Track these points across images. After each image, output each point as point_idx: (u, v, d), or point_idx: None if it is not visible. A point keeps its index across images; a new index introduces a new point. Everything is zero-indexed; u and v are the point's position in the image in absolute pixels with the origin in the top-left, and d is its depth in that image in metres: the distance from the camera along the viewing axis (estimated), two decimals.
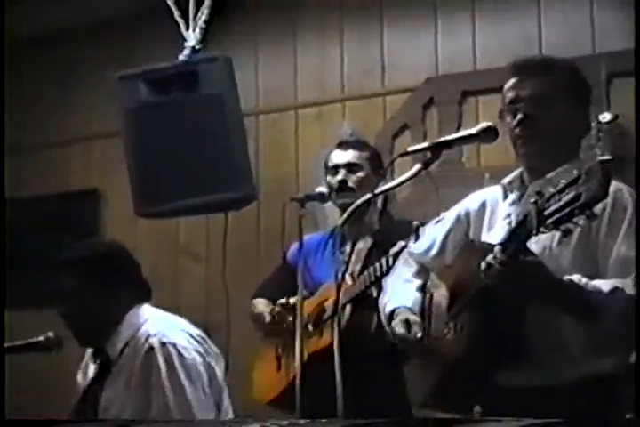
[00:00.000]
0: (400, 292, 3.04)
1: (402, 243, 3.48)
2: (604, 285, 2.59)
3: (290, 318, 3.97)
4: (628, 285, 2.59)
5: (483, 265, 2.52)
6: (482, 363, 2.68)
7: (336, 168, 4.11)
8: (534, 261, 2.54)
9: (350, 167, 4.08)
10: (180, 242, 5.85)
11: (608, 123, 4.55)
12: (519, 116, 2.85)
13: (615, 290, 2.57)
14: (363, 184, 4.01)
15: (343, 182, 4.05)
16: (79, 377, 3.61)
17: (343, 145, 4.23)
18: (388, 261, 3.56)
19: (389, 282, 3.17)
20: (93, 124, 6.15)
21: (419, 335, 2.84)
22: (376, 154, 4.22)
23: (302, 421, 2.40)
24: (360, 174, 4.06)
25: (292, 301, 3.98)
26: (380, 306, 3.06)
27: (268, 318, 4.08)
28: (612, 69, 4.73)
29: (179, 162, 4.94)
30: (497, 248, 2.50)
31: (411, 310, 2.93)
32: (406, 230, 3.39)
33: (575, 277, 2.60)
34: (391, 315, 2.96)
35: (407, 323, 2.87)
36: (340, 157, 4.13)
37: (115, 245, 3.78)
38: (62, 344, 3.46)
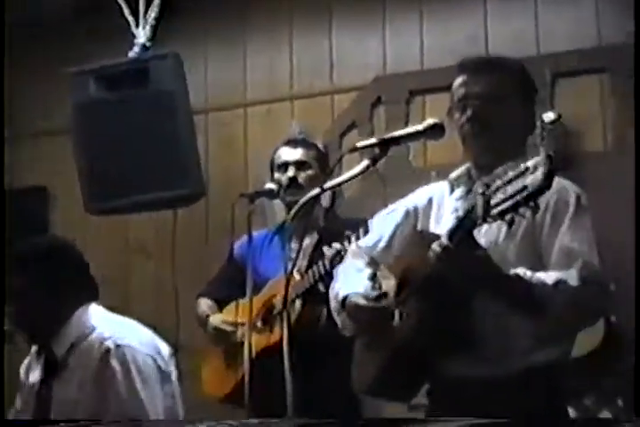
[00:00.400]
0: (352, 280, 3.04)
1: (347, 238, 3.48)
2: (548, 277, 2.61)
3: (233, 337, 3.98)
4: (571, 276, 2.61)
5: (429, 253, 2.53)
6: (426, 351, 2.71)
7: (285, 165, 4.09)
8: (480, 252, 2.56)
9: (299, 165, 4.07)
10: (129, 239, 5.82)
11: (552, 122, 4.59)
12: (469, 113, 2.86)
13: (559, 282, 2.60)
14: (312, 182, 3.98)
15: (293, 180, 4.04)
16: (22, 373, 3.57)
17: (291, 143, 4.23)
18: (336, 256, 3.56)
19: (340, 271, 3.17)
20: (40, 121, 6.08)
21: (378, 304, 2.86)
22: (323, 154, 4.23)
23: (255, 420, 2.40)
24: (309, 172, 4.06)
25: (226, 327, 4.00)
26: (332, 294, 3.07)
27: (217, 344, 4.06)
28: (557, 70, 4.77)
29: (128, 159, 4.92)
30: (443, 237, 2.52)
31: (365, 294, 2.93)
32: (351, 227, 3.40)
33: (520, 271, 2.62)
34: (343, 301, 2.97)
35: (365, 298, 2.89)
36: (290, 154, 4.12)
37: (62, 241, 3.77)
38: (13, 338, 3.45)
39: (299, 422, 2.41)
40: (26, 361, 3.58)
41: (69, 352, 3.37)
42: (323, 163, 4.12)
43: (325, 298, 3.56)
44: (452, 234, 2.51)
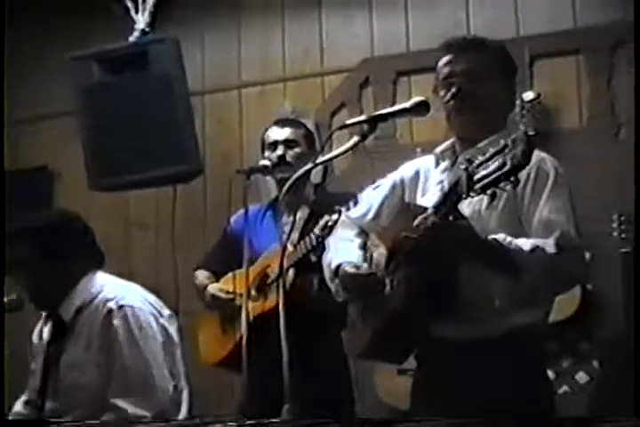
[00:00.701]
0: (343, 249, 3.08)
1: (337, 211, 3.53)
2: (526, 244, 2.65)
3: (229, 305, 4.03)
4: (548, 244, 2.65)
5: (416, 225, 2.58)
6: (416, 315, 2.75)
7: (275, 144, 4.12)
8: (461, 222, 2.61)
9: (288, 143, 4.09)
10: (130, 214, 5.86)
11: (531, 101, 4.68)
12: (453, 90, 2.89)
13: (535, 249, 2.64)
14: (300, 159, 4.02)
15: (282, 158, 4.06)
16: (34, 338, 3.63)
17: (280, 122, 4.25)
18: (325, 228, 3.62)
19: (332, 242, 3.20)
20: (43, 104, 6.12)
21: (369, 271, 2.91)
22: (310, 132, 4.24)
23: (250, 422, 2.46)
24: (297, 150, 4.08)
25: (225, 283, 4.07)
26: (325, 263, 3.10)
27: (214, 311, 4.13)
28: (535, 51, 4.81)
29: (130, 138, 4.97)
30: (430, 210, 2.56)
31: (356, 263, 2.97)
32: (340, 201, 3.44)
33: (499, 236, 2.67)
34: (336, 270, 3.01)
35: (356, 267, 2.93)
36: (278, 133, 4.14)
37: (68, 213, 3.76)
38: (23, 305, 3.50)
39: (296, 422, 2.47)
40: (37, 327, 3.64)
41: (76, 316, 3.41)
42: (310, 141, 4.15)
43: (317, 267, 3.65)
44: (437, 207, 2.54)
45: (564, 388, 4.50)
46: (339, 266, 3.01)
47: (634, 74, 4.36)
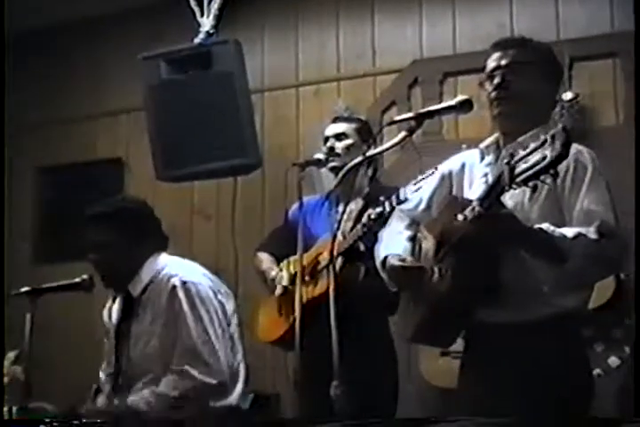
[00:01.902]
0: (392, 241, 3.06)
1: (382, 204, 3.50)
2: (569, 231, 2.61)
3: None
4: (590, 232, 2.61)
5: (461, 217, 2.55)
6: (464, 301, 2.72)
7: (327, 139, 4.13)
8: (506, 213, 2.56)
9: (338, 136, 4.09)
10: (194, 204, 5.87)
11: (569, 101, 4.60)
12: (497, 80, 2.86)
13: (578, 235, 2.59)
14: (349, 150, 4.02)
15: (331, 149, 4.06)
16: (105, 316, 3.67)
17: (336, 119, 4.25)
18: (372, 219, 3.59)
19: (384, 234, 3.17)
20: (118, 100, 6.15)
21: (415, 264, 2.89)
22: (363, 125, 4.20)
23: None
24: (346, 142, 4.06)
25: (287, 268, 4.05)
26: (376, 253, 3.08)
27: (277, 291, 4.10)
28: (574, 54, 4.75)
29: (194, 132, 4.99)
30: (475, 202, 2.53)
31: (400, 256, 2.95)
32: (390, 194, 3.41)
33: (544, 226, 2.62)
34: (384, 261, 2.99)
35: (401, 260, 2.91)
36: (331, 129, 4.15)
37: (137, 200, 3.83)
38: (94, 285, 3.52)
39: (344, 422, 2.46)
40: (107, 305, 3.68)
41: (143, 292, 3.47)
42: (363, 133, 4.11)
43: (364, 256, 3.63)
44: (482, 199, 2.51)
45: (597, 371, 4.43)
46: (385, 258, 3.00)
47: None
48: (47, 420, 3.25)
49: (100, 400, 3.55)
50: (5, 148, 6.05)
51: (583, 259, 2.60)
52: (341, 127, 4.13)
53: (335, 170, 4.01)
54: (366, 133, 4.13)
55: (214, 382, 3.31)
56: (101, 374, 3.62)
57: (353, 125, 4.14)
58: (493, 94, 2.87)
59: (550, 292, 2.68)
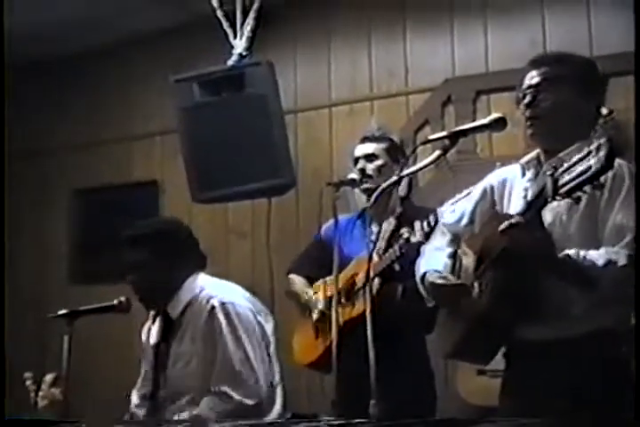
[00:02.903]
0: (433, 257, 3.06)
1: (422, 227, 3.50)
2: (599, 259, 2.60)
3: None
4: (620, 255, 2.60)
5: (501, 229, 2.54)
6: (503, 316, 2.71)
7: (357, 160, 4.14)
8: (542, 233, 2.57)
9: (369, 157, 4.10)
10: (229, 224, 5.89)
11: (605, 116, 4.57)
12: (527, 99, 2.87)
13: (609, 263, 2.59)
14: (380, 171, 4.04)
15: (362, 171, 4.07)
16: (143, 336, 3.70)
17: (364, 139, 4.23)
18: (409, 241, 3.58)
19: (426, 249, 3.17)
20: (152, 123, 6.20)
21: (455, 281, 2.89)
22: (393, 145, 4.20)
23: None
24: (377, 163, 4.07)
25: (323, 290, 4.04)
26: (417, 268, 3.09)
27: (315, 315, 4.09)
28: (608, 70, 4.72)
29: (228, 154, 5.02)
30: (515, 217, 2.53)
31: (439, 272, 2.95)
32: (424, 214, 3.41)
33: (572, 252, 2.62)
34: (422, 277, 3.00)
35: (442, 278, 2.91)
36: (360, 150, 4.16)
37: (175, 221, 3.86)
38: (131, 307, 3.53)
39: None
40: (146, 326, 3.71)
41: (183, 313, 3.49)
42: (393, 153, 4.12)
43: (401, 276, 3.63)
44: (524, 212, 2.52)
45: None
46: (425, 274, 3.00)
47: None
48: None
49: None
50: (40, 171, 6.12)
51: (615, 285, 2.60)
52: (370, 148, 4.14)
53: (368, 191, 4.02)
54: (396, 153, 4.13)
55: (252, 402, 3.32)
56: (134, 396, 3.64)
57: (382, 145, 4.14)
58: (527, 113, 2.87)
59: (585, 310, 2.67)
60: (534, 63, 2.95)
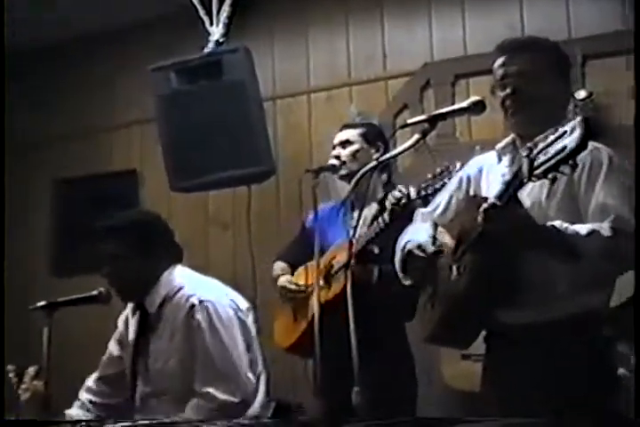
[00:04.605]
0: (414, 233, 3.05)
1: (392, 206, 3.50)
2: (582, 228, 2.61)
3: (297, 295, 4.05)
4: (604, 228, 2.61)
5: (480, 212, 2.53)
6: (482, 299, 2.72)
7: (334, 147, 4.15)
8: (520, 210, 2.56)
9: (343, 144, 4.12)
10: (209, 213, 5.86)
11: (583, 99, 4.57)
12: (508, 90, 2.87)
13: (592, 232, 2.59)
14: (355, 156, 4.06)
15: (337, 157, 4.09)
16: (120, 324, 3.69)
17: (343, 127, 4.27)
18: (384, 221, 3.59)
19: (409, 229, 3.17)
20: (131, 112, 6.17)
21: (434, 249, 2.88)
22: (369, 129, 4.22)
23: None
24: (352, 148, 4.09)
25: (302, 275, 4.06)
26: (397, 244, 3.09)
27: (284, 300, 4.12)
28: (587, 52, 4.72)
29: (207, 142, 5.00)
30: (492, 197, 2.52)
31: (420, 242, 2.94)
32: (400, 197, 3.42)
33: (557, 223, 2.62)
34: (403, 248, 3.00)
35: (420, 247, 2.91)
36: (337, 137, 4.18)
37: (150, 213, 3.88)
38: (111, 298, 3.52)
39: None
40: (122, 315, 3.70)
41: (160, 308, 3.47)
42: (369, 138, 4.13)
43: (377, 259, 3.63)
44: (500, 195, 2.51)
45: (621, 370, 4.39)
46: (406, 244, 3.01)
47: None
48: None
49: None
50: (21, 161, 6.10)
51: (598, 256, 2.60)
52: (346, 134, 4.16)
53: (344, 178, 4.06)
54: (373, 137, 4.13)
55: (237, 400, 3.31)
56: (90, 380, 3.62)
57: (358, 131, 4.16)
58: (507, 103, 2.88)
59: (565, 291, 2.68)
60: (503, 49, 2.95)
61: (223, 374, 3.32)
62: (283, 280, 4.13)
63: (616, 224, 2.62)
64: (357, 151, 4.08)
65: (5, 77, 5.67)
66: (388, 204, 3.52)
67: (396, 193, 3.45)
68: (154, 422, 3.16)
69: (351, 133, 4.15)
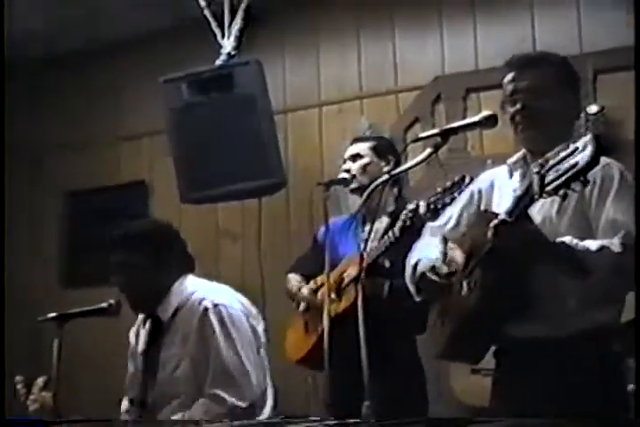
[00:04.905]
0: (425, 250, 3.04)
1: (404, 219, 3.50)
2: (592, 244, 2.60)
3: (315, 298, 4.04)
4: (614, 244, 2.60)
5: (490, 227, 2.52)
6: (492, 315, 2.70)
7: (345, 161, 4.16)
8: (530, 226, 2.55)
9: (354, 158, 4.12)
10: (219, 225, 5.86)
11: (595, 114, 4.57)
12: (518, 106, 2.87)
13: (602, 248, 2.59)
14: (365, 170, 4.06)
15: (347, 171, 4.09)
16: (132, 339, 3.67)
17: (354, 141, 4.27)
18: (394, 235, 3.59)
19: (418, 244, 3.16)
20: (141, 124, 6.17)
21: (447, 271, 2.86)
22: (381, 143, 4.22)
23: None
24: (362, 162, 4.08)
25: (313, 284, 4.07)
26: (407, 261, 3.08)
27: (301, 307, 4.11)
28: (598, 67, 4.73)
29: (218, 154, 5.01)
30: (503, 213, 2.51)
31: (432, 260, 2.93)
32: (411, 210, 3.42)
33: (567, 239, 2.61)
34: (415, 266, 2.99)
35: (433, 269, 2.88)
36: (347, 151, 4.18)
37: (162, 223, 3.84)
38: (120, 310, 3.51)
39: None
40: (133, 328, 3.68)
41: (173, 316, 3.47)
42: (381, 151, 4.12)
43: (388, 273, 3.62)
44: (511, 211, 2.50)
45: (630, 386, 4.38)
46: (417, 262, 2.99)
47: None
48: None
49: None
50: (29, 173, 6.11)
51: (608, 272, 2.59)
52: (356, 148, 4.16)
53: (355, 191, 4.06)
54: (384, 151, 4.13)
55: (245, 404, 3.30)
56: (124, 402, 3.63)
57: (368, 144, 4.16)
58: (517, 118, 2.88)
59: (575, 307, 2.67)
60: (512, 64, 2.95)
61: (234, 378, 3.32)
62: (306, 291, 4.11)
63: (626, 240, 2.61)
64: (368, 165, 4.08)
65: (5, 87, 5.67)
66: (400, 217, 3.52)
67: (409, 206, 3.45)
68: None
69: (361, 147, 4.15)
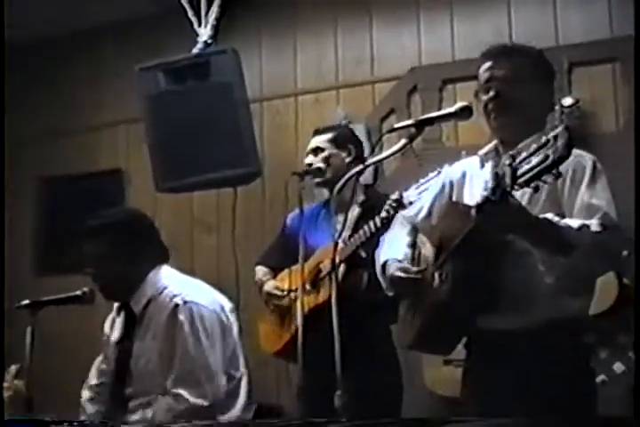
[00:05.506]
0: (393, 246, 3.07)
1: (387, 209, 3.50)
2: (573, 222, 2.61)
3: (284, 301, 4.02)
4: (593, 224, 2.62)
5: (474, 206, 2.50)
6: (463, 306, 2.71)
7: (307, 155, 4.15)
8: (514, 202, 2.52)
9: (314, 152, 4.11)
10: (194, 214, 5.85)
11: (570, 106, 4.59)
12: (491, 94, 2.88)
13: (583, 226, 2.60)
14: (328, 162, 4.06)
15: (309, 165, 4.09)
16: (106, 328, 3.66)
17: (314, 134, 4.25)
18: (375, 225, 3.59)
19: (386, 238, 3.18)
20: (117, 112, 6.15)
21: (415, 271, 2.89)
22: (339, 134, 4.19)
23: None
24: (323, 155, 4.08)
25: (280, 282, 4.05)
26: (376, 257, 3.10)
27: (270, 306, 4.11)
28: (573, 59, 4.74)
29: (193, 143, 4.98)
30: (474, 208, 2.48)
31: (400, 261, 2.96)
32: (394, 199, 3.42)
33: (549, 215, 2.62)
34: (383, 266, 3.01)
35: (403, 269, 2.92)
36: (309, 144, 4.18)
37: (136, 212, 3.83)
38: (95, 298, 3.49)
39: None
40: (109, 317, 3.67)
41: (145, 308, 3.45)
42: (339, 142, 4.11)
43: (367, 263, 3.61)
44: (483, 203, 2.48)
45: (602, 377, 4.41)
46: (385, 262, 3.01)
47: None
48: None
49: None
50: (5, 159, 6.06)
51: (587, 250, 2.59)
52: (315, 141, 4.15)
53: (320, 185, 4.07)
54: (342, 141, 4.12)
55: (207, 403, 3.29)
56: (85, 390, 3.62)
57: (326, 137, 4.14)
58: (490, 106, 2.88)
59: (547, 295, 2.67)
60: (488, 55, 2.96)
61: (197, 377, 3.31)
62: (269, 286, 4.10)
63: (604, 220, 2.63)
64: (329, 158, 4.07)
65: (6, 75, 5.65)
66: (384, 208, 3.51)
67: (392, 197, 3.44)
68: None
69: (320, 140, 4.13)
